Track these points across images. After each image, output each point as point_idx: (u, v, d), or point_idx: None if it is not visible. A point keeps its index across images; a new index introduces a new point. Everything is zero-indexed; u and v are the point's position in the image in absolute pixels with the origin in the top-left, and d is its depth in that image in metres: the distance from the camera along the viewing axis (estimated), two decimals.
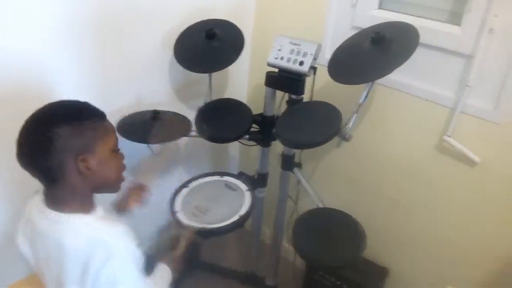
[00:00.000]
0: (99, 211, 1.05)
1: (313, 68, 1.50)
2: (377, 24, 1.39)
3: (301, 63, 1.49)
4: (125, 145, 1.65)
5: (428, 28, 1.42)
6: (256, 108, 1.74)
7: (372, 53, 1.30)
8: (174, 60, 1.71)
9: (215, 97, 1.82)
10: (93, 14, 1.52)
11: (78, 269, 0.96)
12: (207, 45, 1.68)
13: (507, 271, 1.46)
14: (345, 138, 1.37)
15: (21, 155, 0.96)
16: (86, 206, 1.03)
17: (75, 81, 1.57)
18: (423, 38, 1.28)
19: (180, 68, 1.68)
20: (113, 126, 1.08)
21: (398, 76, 1.52)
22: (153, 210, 1.98)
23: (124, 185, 1.19)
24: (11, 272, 1.46)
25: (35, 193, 1.09)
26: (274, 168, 1.82)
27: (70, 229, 0.98)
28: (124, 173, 1.13)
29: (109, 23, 1.57)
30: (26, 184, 1.04)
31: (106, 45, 1.60)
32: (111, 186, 1.10)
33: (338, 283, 1.69)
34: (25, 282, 1.43)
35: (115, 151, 1.08)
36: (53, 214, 0.99)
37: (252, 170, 1.90)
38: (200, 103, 1.83)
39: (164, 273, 1.24)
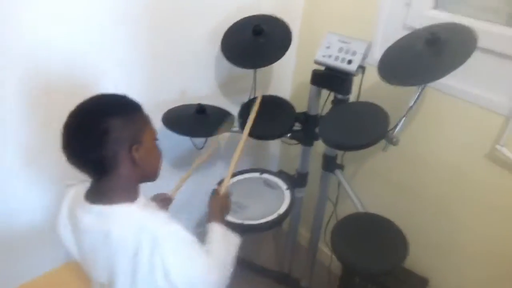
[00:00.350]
0: (142, 199, 1.07)
1: (362, 68, 1.47)
2: (432, 25, 1.34)
3: (350, 62, 1.46)
4: (169, 138, 1.68)
5: (486, 30, 1.35)
6: (300, 106, 1.72)
7: (426, 55, 1.25)
8: (220, 55, 1.72)
9: (258, 93, 1.81)
10: (144, 9, 1.55)
11: (129, 260, 0.97)
12: (254, 41, 1.68)
13: None
14: (392, 142, 1.33)
15: (71, 146, 0.97)
16: (132, 195, 1.05)
17: (126, 73, 1.62)
18: (480, 42, 1.22)
19: (225, 63, 1.69)
20: (149, 117, 1.10)
21: (450, 80, 1.45)
22: (191, 204, 2.02)
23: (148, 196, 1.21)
24: (51, 257, 1.52)
25: (69, 186, 1.11)
26: (314, 168, 1.79)
27: (117, 220, 0.99)
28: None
29: (159, 18, 1.61)
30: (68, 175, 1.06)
31: (155, 39, 1.64)
32: (154, 174, 1.12)
33: None
34: (65, 268, 1.49)
35: (156, 140, 1.11)
36: (98, 208, 1.00)
37: (292, 169, 1.88)
38: (244, 98, 1.83)
39: (214, 233, 1.19)
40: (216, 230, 1.19)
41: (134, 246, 0.96)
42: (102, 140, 0.95)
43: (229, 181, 1.40)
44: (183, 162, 2.00)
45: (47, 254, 1.65)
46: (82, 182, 1.08)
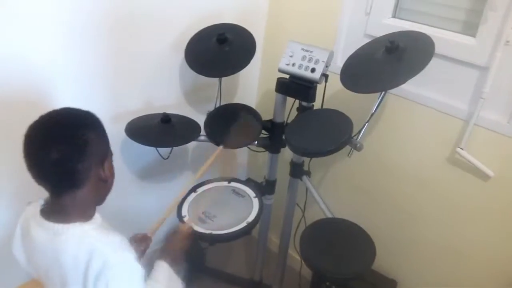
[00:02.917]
0: (98, 218, 1.03)
1: (325, 75, 1.49)
2: (391, 33, 1.38)
3: (313, 70, 1.48)
4: (134, 149, 1.66)
5: (443, 38, 1.40)
6: (266, 114, 1.73)
7: (386, 62, 1.29)
8: (184, 64, 1.71)
9: (224, 101, 1.81)
10: (105, 18, 1.53)
11: (80, 279, 0.95)
12: (218, 50, 1.67)
13: None
14: (356, 148, 1.36)
15: (44, 158, 0.92)
16: (88, 213, 1.02)
17: (86, 85, 1.58)
18: (437, 49, 1.27)
19: (189, 72, 1.68)
20: None
21: (410, 86, 1.50)
22: (160, 213, 1.98)
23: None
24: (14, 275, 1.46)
25: (28, 204, 1.07)
26: (282, 175, 1.80)
27: (70, 240, 0.96)
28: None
29: (121, 27, 1.58)
30: (28, 190, 1.02)
31: (117, 48, 1.61)
32: (106, 196, 1.09)
33: None
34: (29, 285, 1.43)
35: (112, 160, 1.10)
36: (54, 227, 0.97)
37: (260, 176, 1.88)
38: (209, 107, 1.82)
39: (161, 273, 1.18)
40: (164, 271, 1.18)
41: (84, 267, 0.94)
42: (82, 152, 0.94)
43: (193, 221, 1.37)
44: (149, 173, 1.97)
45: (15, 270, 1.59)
46: (41, 199, 1.04)
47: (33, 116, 0.97)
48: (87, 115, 1.02)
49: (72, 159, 0.94)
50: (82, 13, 1.46)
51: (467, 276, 1.56)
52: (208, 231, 1.42)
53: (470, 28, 1.40)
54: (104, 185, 1.04)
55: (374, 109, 1.33)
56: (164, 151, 1.76)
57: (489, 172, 1.39)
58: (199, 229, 1.41)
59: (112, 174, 1.06)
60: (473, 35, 1.37)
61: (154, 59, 1.76)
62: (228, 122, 1.72)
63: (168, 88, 1.87)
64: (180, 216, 1.51)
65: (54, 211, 0.99)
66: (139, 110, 1.75)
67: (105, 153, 1.02)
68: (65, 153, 0.93)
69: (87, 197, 1.00)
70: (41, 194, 1.01)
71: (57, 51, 1.45)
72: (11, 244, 1.09)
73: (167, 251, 1.26)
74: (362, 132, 1.36)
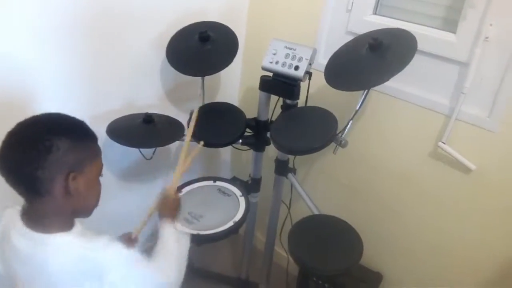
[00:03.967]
0: (77, 227, 1.00)
1: (308, 73, 1.49)
2: (374, 30, 1.39)
3: (296, 68, 1.48)
4: (116, 149, 1.63)
5: (423, 34, 1.42)
6: (249, 112, 1.72)
7: (370, 60, 1.30)
8: (166, 63, 1.69)
9: (206, 100, 1.80)
10: (83, 16, 1.49)
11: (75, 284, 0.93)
12: (201, 48, 1.66)
13: (501, 279, 1.47)
14: (341, 144, 1.36)
15: (8, 158, 0.90)
16: (67, 224, 0.98)
17: (64, 84, 1.54)
18: (418, 45, 1.28)
19: (171, 70, 1.66)
20: (101, 151, 1.05)
21: (393, 83, 1.51)
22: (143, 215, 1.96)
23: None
24: None
25: (5, 208, 1.03)
26: (267, 172, 1.80)
27: (55, 251, 0.94)
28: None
29: (100, 25, 1.55)
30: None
31: (96, 47, 1.58)
32: (89, 210, 1.06)
33: None
34: None
35: (100, 176, 1.05)
36: (36, 236, 0.94)
37: (244, 173, 1.88)
38: (192, 106, 1.80)
39: (169, 237, 1.19)
40: (168, 232, 1.19)
41: (75, 278, 0.93)
42: (41, 158, 0.89)
43: (178, 179, 1.36)
44: (131, 174, 1.94)
45: None
46: (19, 204, 1.00)
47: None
48: (66, 122, 0.98)
49: (29, 164, 0.89)
50: (57, 11, 1.41)
51: (450, 268, 1.60)
52: (195, 231, 1.41)
53: (450, 24, 1.42)
54: (78, 199, 0.97)
55: (359, 107, 1.34)
56: (147, 151, 1.74)
57: (471, 166, 1.42)
58: (185, 229, 1.40)
59: (88, 190, 0.99)
60: (453, 32, 1.40)
61: (134, 58, 1.72)
62: (211, 121, 1.71)
63: (149, 87, 1.85)
64: None
65: (31, 218, 0.96)
66: (120, 110, 1.72)
67: (77, 165, 0.94)
68: (23, 158, 0.89)
69: (57, 207, 0.95)
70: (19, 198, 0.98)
71: (32, 52, 1.41)
72: None
73: (162, 215, 1.26)
74: (346, 129, 1.37)
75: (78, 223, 1.01)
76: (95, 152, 1.01)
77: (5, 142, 0.91)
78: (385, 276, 1.79)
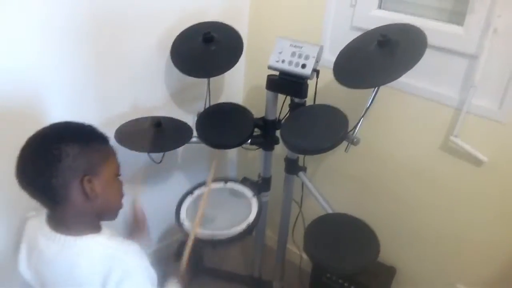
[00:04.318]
0: (106, 231, 1.03)
1: (316, 71, 1.48)
2: (382, 26, 1.38)
3: (303, 66, 1.47)
4: (124, 154, 1.62)
5: (430, 28, 1.40)
6: (254, 111, 1.71)
7: (380, 57, 1.29)
8: (170, 64, 1.68)
9: (211, 101, 1.79)
10: (86, 20, 1.48)
11: None
12: (205, 49, 1.65)
13: None
14: (353, 143, 1.36)
15: (23, 173, 0.92)
16: (94, 227, 1.01)
17: (70, 90, 1.54)
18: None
19: (176, 72, 1.65)
20: (115, 151, 1.06)
21: (402, 77, 1.50)
22: (155, 218, 1.97)
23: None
24: None
25: (30, 217, 1.05)
26: (277, 171, 1.80)
27: (84, 251, 0.95)
28: (125, 181, 1.11)
29: (103, 29, 1.54)
30: (23, 205, 1.00)
31: (100, 51, 1.57)
32: (113, 212, 1.07)
33: (346, 284, 1.68)
34: None
35: (118, 175, 1.06)
36: (63, 239, 0.96)
37: (251, 172, 1.88)
38: (198, 107, 1.80)
39: None
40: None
41: (103, 276, 0.93)
42: (52, 167, 0.90)
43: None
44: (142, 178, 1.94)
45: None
46: (42, 213, 1.01)
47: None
48: (74, 128, 0.98)
49: (41, 175, 0.90)
50: (61, 15, 1.40)
51: (465, 261, 1.60)
52: (209, 236, 1.41)
53: (457, 17, 1.41)
54: (99, 201, 0.98)
55: (369, 103, 1.34)
56: (157, 155, 1.74)
57: (483, 158, 1.42)
58: (199, 234, 1.40)
59: (106, 191, 0.99)
60: (461, 24, 1.39)
61: (138, 61, 1.72)
62: (219, 123, 1.70)
63: (155, 89, 1.84)
64: (178, 220, 1.50)
65: (58, 223, 0.97)
66: (127, 113, 1.72)
67: (90, 168, 0.95)
68: (35, 169, 0.91)
69: (79, 212, 0.96)
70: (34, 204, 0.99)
71: (34, 57, 1.40)
72: (17, 262, 1.06)
73: (177, 272, 1.27)
74: (358, 127, 1.36)
75: (105, 227, 1.03)
76: (107, 153, 1.01)
77: (20, 157, 0.93)
78: (399, 270, 1.79)
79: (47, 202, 0.96)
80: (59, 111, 1.49)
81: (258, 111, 1.69)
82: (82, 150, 0.94)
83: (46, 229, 0.98)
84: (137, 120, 1.67)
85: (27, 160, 0.92)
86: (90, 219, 1.00)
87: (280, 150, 1.69)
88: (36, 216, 1.03)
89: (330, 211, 1.50)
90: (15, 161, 0.92)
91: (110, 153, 1.02)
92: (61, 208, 0.95)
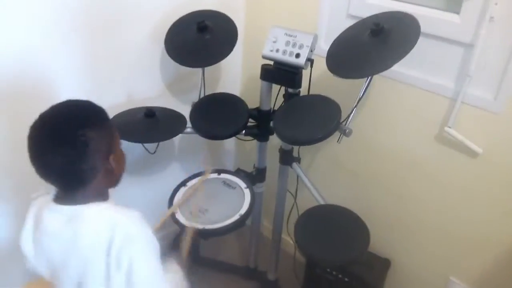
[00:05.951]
0: (112, 200, 1.06)
1: (310, 60, 1.46)
2: (376, 14, 1.36)
3: (298, 56, 1.45)
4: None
5: (426, 16, 1.38)
6: (251, 102, 1.70)
7: (372, 46, 1.27)
8: (164, 54, 1.67)
9: (207, 90, 1.78)
10: (80, 10, 1.47)
11: (102, 261, 0.94)
12: (199, 38, 1.64)
13: (509, 262, 1.46)
14: (346, 133, 1.35)
15: (46, 162, 0.93)
16: (104, 197, 1.04)
17: (64, 80, 1.54)
18: (421, 27, 1.25)
19: (170, 62, 1.64)
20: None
21: (396, 66, 1.45)
22: (148, 209, 1.97)
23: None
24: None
25: (33, 198, 1.07)
26: (272, 161, 1.79)
27: (89, 218, 0.97)
28: None
29: (96, 18, 1.53)
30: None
31: (94, 41, 1.57)
32: (119, 179, 1.10)
33: (340, 276, 1.68)
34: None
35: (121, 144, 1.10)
36: (67, 208, 0.97)
37: (248, 163, 1.87)
38: (193, 97, 1.79)
39: (175, 273, 1.21)
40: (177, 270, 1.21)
41: (107, 242, 0.94)
42: (82, 154, 0.93)
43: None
44: (136, 168, 1.94)
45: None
46: (47, 193, 1.03)
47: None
48: (84, 110, 1.00)
49: (75, 162, 0.94)
50: (55, 6, 1.40)
51: (459, 253, 1.59)
52: (201, 226, 1.41)
53: (453, 4, 1.38)
54: (116, 173, 1.05)
55: (362, 94, 1.32)
56: (151, 146, 1.73)
57: (478, 149, 1.40)
58: (192, 224, 1.40)
59: (120, 162, 1.05)
60: (457, 12, 1.36)
61: (133, 51, 1.71)
62: (213, 113, 1.69)
63: (149, 79, 1.83)
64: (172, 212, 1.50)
65: (67, 197, 0.99)
66: (121, 104, 1.71)
67: (110, 146, 1.00)
68: (67, 158, 0.93)
69: (97, 187, 1.00)
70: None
71: (29, 48, 1.40)
72: (19, 238, 1.07)
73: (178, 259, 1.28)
74: (350, 118, 1.35)
75: (112, 199, 1.07)
76: (114, 128, 1.05)
77: (39, 145, 0.94)
78: (393, 262, 1.78)
79: (72, 185, 0.98)
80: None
81: (255, 102, 1.67)
82: (101, 131, 0.98)
83: (52, 204, 1.00)
84: (130, 110, 1.67)
85: (51, 147, 0.92)
86: (105, 189, 1.05)
87: (276, 141, 1.67)
88: (40, 198, 1.05)
89: (322, 203, 1.49)
90: (29, 150, 0.93)
91: (114, 127, 1.05)
92: (85, 188, 0.98)
